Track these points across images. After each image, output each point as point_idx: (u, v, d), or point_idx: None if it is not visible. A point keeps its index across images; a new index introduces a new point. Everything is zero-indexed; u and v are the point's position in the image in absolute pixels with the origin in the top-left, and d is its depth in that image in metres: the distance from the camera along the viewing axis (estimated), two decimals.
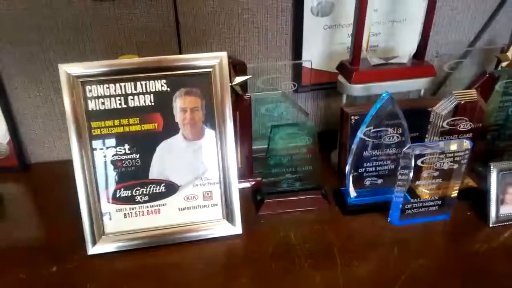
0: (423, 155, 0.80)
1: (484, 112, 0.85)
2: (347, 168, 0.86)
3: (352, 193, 0.88)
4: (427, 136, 0.87)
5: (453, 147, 0.79)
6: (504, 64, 1.04)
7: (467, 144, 0.79)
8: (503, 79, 1.01)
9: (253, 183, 0.96)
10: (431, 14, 0.90)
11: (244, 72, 0.93)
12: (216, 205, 0.83)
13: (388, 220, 0.86)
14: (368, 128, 0.82)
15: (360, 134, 0.83)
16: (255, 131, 0.94)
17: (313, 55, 1.04)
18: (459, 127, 0.85)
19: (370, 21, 0.90)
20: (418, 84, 0.94)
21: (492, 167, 0.83)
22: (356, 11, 0.86)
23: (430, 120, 0.85)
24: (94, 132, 0.77)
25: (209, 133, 0.80)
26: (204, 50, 1.00)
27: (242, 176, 0.94)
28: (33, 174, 1.04)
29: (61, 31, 0.93)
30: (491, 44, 1.14)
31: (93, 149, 0.77)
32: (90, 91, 0.76)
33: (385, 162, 0.88)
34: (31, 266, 0.77)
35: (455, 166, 0.82)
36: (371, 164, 0.87)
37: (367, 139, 0.83)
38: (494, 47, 1.09)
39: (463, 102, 0.82)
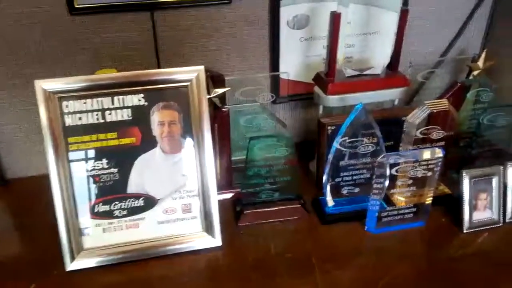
0: (397, 164, 0.82)
1: (455, 120, 0.88)
2: (324, 177, 0.88)
3: (330, 202, 0.89)
4: (401, 145, 0.89)
5: (426, 155, 0.81)
6: (475, 72, 1.07)
7: (439, 152, 0.81)
8: (474, 88, 1.04)
9: (232, 194, 0.97)
10: (402, 26, 0.92)
11: (222, 85, 0.94)
12: (196, 217, 0.84)
13: (365, 228, 0.87)
14: (344, 139, 0.84)
15: (336, 145, 0.84)
16: (234, 142, 0.95)
17: (291, 66, 1.06)
18: (432, 135, 0.88)
19: (344, 34, 0.92)
20: (392, 94, 0.96)
21: (464, 174, 0.86)
22: (330, 25, 0.88)
23: (404, 129, 0.87)
24: (71, 147, 0.77)
25: (187, 146, 0.81)
26: (183, 63, 1.00)
27: (221, 187, 0.95)
28: (10, 189, 1.03)
29: (41, 46, 0.93)
30: (463, 53, 1.18)
31: (70, 164, 0.77)
32: (67, 106, 0.76)
33: (361, 171, 0.89)
34: (9, 284, 0.76)
35: (429, 173, 0.84)
36: (347, 174, 0.89)
37: (343, 149, 0.85)
38: (466, 57, 1.12)
39: (435, 111, 0.85)
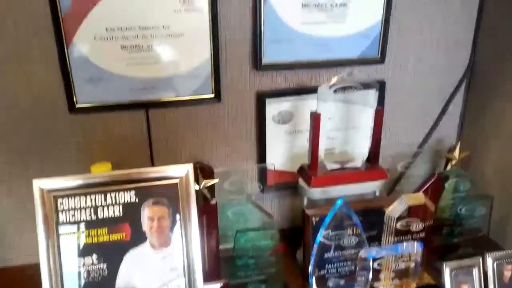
0: (379, 258, 0.84)
1: (432, 213, 0.92)
2: (310, 269, 0.89)
3: None
4: (383, 236, 0.92)
5: (405, 249, 0.84)
6: (452, 162, 1.13)
7: (418, 246, 0.84)
8: (452, 178, 1.10)
9: (220, 285, 0.97)
10: (378, 124, 0.99)
11: (211, 176, 0.99)
12: None
13: None
14: (327, 232, 0.87)
15: (319, 238, 0.87)
16: (222, 232, 0.98)
17: (277, 157, 1.12)
18: (412, 227, 0.91)
19: (325, 128, 0.99)
20: (372, 187, 1.01)
21: (444, 266, 0.88)
22: (311, 124, 0.95)
23: (384, 222, 0.91)
24: (63, 243, 0.79)
25: (175, 240, 0.83)
26: (175, 156, 1.06)
27: (209, 277, 0.96)
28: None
29: (39, 139, 0.98)
30: (441, 142, 1.25)
31: (61, 260, 0.79)
32: (62, 204, 0.79)
33: (346, 263, 0.92)
34: None
35: (411, 265, 0.86)
36: (332, 266, 0.91)
37: (326, 242, 0.88)
38: (442, 148, 1.19)
39: (412, 205, 0.89)
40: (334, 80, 0.94)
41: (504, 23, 1.10)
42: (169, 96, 1.01)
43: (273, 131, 1.09)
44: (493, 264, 0.91)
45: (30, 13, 0.89)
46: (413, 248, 0.84)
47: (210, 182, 0.97)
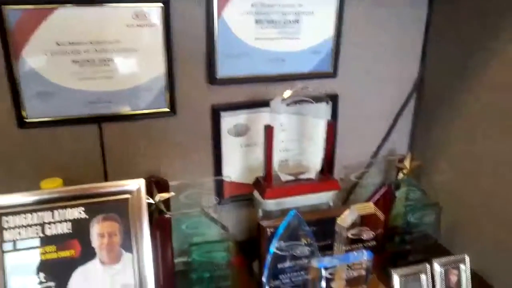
0: (331, 267, 0.86)
1: (382, 222, 0.95)
2: (263, 280, 0.90)
3: None
4: (335, 245, 0.94)
5: (355, 258, 0.86)
6: (404, 171, 1.17)
7: (366, 254, 0.87)
8: (403, 187, 1.13)
9: None
10: (330, 136, 1.02)
11: (166, 190, 0.99)
12: None
13: None
14: (280, 242, 0.88)
15: (273, 249, 0.88)
16: (177, 247, 0.98)
17: (233, 170, 1.13)
18: (363, 236, 0.94)
19: (280, 140, 1.01)
20: (325, 197, 1.03)
21: (392, 273, 0.91)
22: (264, 136, 0.96)
23: (336, 231, 0.93)
24: (8, 261, 0.77)
25: (126, 256, 0.83)
26: (130, 170, 1.05)
27: None
28: None
29: None
30: (393, 153, 1.29)
31: (5, 279, 0.77)
32: (7, 221, 0.78)
33: (299, 273, 0.93)
34: None
35: (362, 273, 0.88)
36: (286, 276, 0.92)
37: (280, 252, 0.89)
38: (393, 158, 1.23)
39: (362, 214, 0.91)
40: (286, 94, 0.96)
41: (452, 36, 1.14)
42: (123, 110, 1.01)
43: (229, 144, 1.10)
44: (440, 269, 0.94)
45: None
46: (362, 257, 0.86)
47: (165, 196, 0.97)
